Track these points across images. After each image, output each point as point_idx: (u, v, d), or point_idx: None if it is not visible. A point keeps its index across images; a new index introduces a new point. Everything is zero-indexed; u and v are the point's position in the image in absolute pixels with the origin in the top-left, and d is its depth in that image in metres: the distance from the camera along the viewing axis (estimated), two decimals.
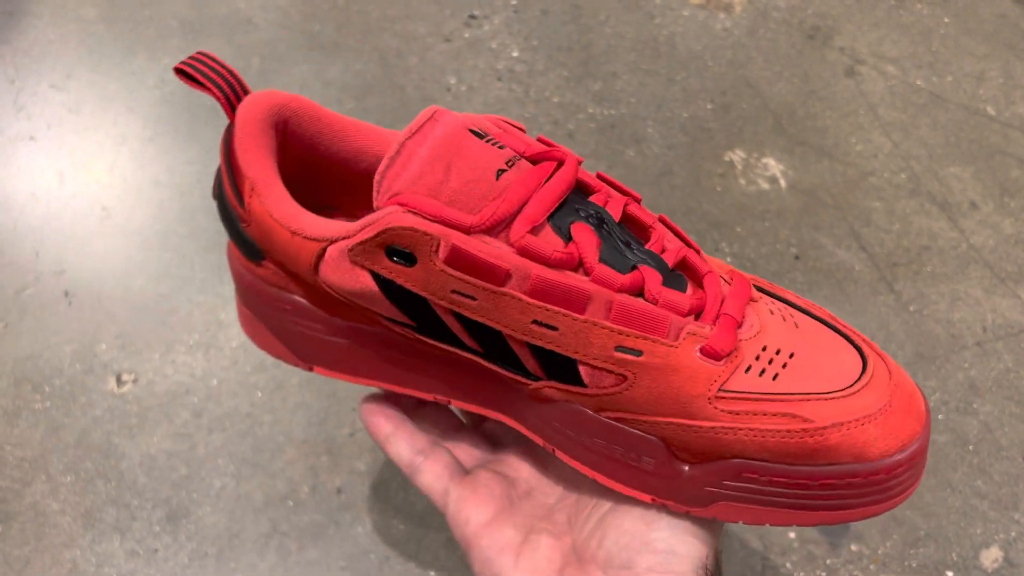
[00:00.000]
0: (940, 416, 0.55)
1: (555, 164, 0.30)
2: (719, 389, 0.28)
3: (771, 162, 0.67)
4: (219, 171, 0.33)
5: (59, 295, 0.58)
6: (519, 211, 0.28)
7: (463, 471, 0.36)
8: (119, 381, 0.54)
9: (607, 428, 0.30)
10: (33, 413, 0.53)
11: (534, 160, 0.30)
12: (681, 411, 0.29)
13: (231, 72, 0.32)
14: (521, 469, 0.37)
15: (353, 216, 0.37)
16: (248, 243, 0.33)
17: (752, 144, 0.68)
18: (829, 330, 0.32)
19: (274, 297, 0.34)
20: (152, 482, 0.50)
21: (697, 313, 0.29)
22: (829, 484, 0.28)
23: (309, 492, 0.50)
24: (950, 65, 0.74)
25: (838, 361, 0.30)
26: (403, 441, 0.36)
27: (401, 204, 0.28)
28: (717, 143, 0.68)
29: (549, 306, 0.28)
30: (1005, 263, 0.62)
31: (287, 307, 0.34)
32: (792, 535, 0.50)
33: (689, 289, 0.30)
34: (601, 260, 0.29)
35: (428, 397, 0.35)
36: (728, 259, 0.61)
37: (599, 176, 0.32)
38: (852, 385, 0.29)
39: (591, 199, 0.31)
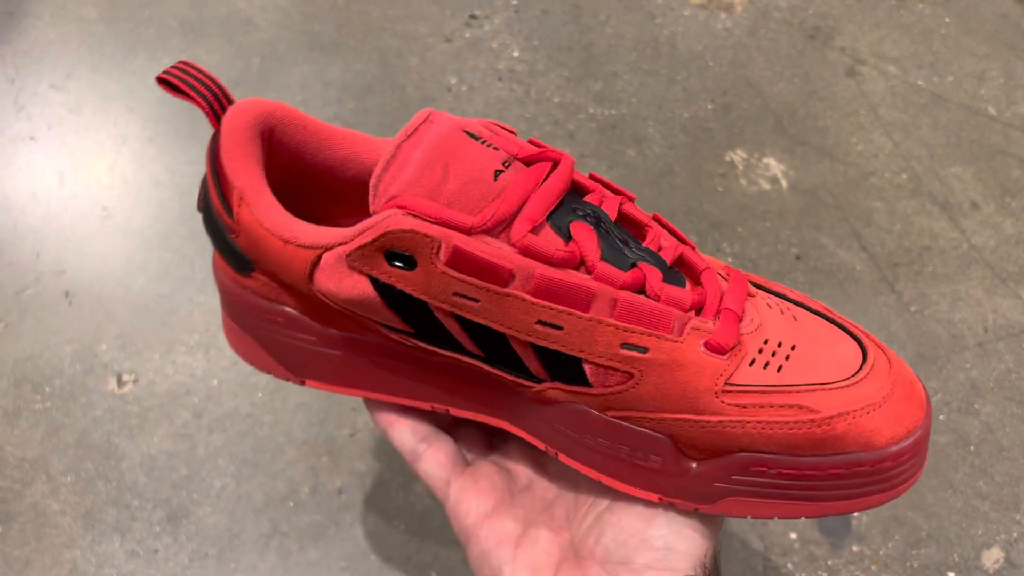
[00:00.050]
0: (942, 417, 0.55)
1: (550, 165, 0.30)
2: (725, 383, 0.28)
3: (772, 162, 0.67)
4: (204, 182, 0.32)
5: (59, 295, 0.57)
6: (519, 211, 0.28)
7: (465, 462, 0.36)
8: (119, 381, 0.54)
9: (612, 427, 0.30)
10: (33, 413, 0.53)
11: (528, 161, 0.30)
12: (688, 406, 0.29)
13: (214, 81, 0.31)
14: (522, 462, 0.37)
15: (340, 225, 0.37)
16: (237, 254, 0.32)
17: (753, 144, 0.68)
18: (827, 322, 0.32)
19: (264, 309, 0.34)
20: (152, 482, 0.50)
21: (698, 309, 0.30)
22: (837, 474, 0.28)
23: (310, 493, 0.50)
24: (951, 65, 0.74)
25: (839, 352, 0.30)
26: (407, 428, 0.36)
27: (400, 207, 0.27)
28: (718, 143, 0.68)
29: (554, 305, 0.28)
30: (1006, 263, 0.62)
31: (278, 319, 0.34)
32: (793, 535, 0.50)
33: (688, 285, 0.31)
34: (602, 258, 0.29)
35: (425, 406, 0.35)
36: (729, 259, 0.61)
37: (592, 176, 0.32)
38: (855, 375, 0.29)
39: (586, 199, 0.31)
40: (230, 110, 0.31)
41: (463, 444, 0.38)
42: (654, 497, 0.31)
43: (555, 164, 0.30)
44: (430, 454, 0.36)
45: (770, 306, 0.31)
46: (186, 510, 0.50)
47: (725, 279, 0.32)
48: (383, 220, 0.27)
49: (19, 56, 0.70)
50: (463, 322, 0.29)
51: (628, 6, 0.77)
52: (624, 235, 0.30)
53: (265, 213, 0.30)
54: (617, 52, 0.73)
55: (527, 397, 0.32)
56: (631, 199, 0.32)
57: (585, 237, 0.29)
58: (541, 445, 0.33)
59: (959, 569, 0.49)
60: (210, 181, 0.31)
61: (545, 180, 0.29)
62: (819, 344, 0.30)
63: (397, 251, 0.28)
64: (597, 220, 0.30)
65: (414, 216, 0.27)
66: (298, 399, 0.53)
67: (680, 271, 0.31)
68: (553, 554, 0.32)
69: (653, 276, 0.29)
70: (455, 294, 0.28)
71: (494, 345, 0.30)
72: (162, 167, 0.64)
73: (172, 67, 0.31)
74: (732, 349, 0.29)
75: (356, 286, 0.29)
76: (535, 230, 0.28)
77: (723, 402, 0.28)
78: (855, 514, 0.51)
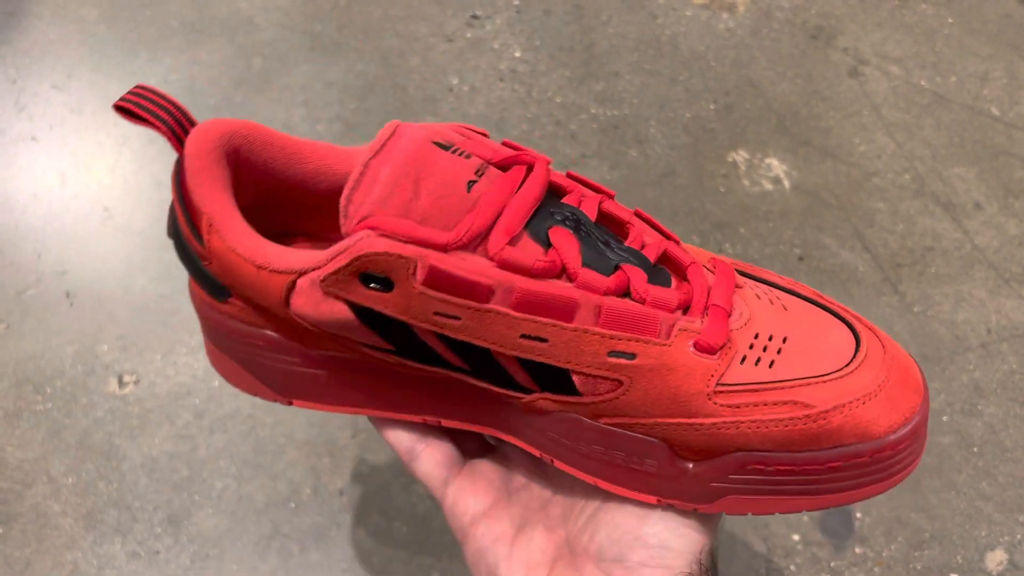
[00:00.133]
0: (944, 418, 0.55)
1: (525, 169, 0.29)
2: (717, 384, 0.28)
3: (774, 162, 0.67)
4: (172, 208, 0.31)
5: (60, 296, 0.57)
6: (495, 222, 0.27)
7: (462, 460, 0.36)
8: (120, 382, 0.54)
9: (606, 434, 0.30)
10: (34, 414, 0.53)
11: (503, 166, 0.29)
12: (680, 410, 0.28)
13: (175, 104, 0.30)
14: (519, 461, 0.37)
15: (316, 238, 0.36)
16: (211, 281, 0.31)
17: (755, 144, 0.68)
18: (818, 309, 0.31)
19: (244, 333, 0.33)
20: (153, 484, 0.50)
21: (685, 307, 0.29)
22: (835, 467, 0.28)
23: (311, 494, 0.50)
24: (954, 65, 0.74)
25: (831, 341, 0.30)
26: (403, 428, 0.36)
27: (372, 228, 0.27)
28: (720, 143, 0.68)
29: (537, 318, 0.27)
30: (1009, 264, 0.62)
31: (259, 343, 0.33)
32: (796, 537, 0.50)
33: (674, 283, 0.30)
34: (584, 264, 0.28)
35: (417, 419, 0.34)
36: None
37: (569, 175, 0.32)
38: (848, 364, 0.29)
39: (564, 200, 0.30)
40: (193, 133, 0.30)
41: (460, 443, 0.38)
42: (652, 499, 0.31)
43: (530, 168, 0.29)
44: (427, 454, 0.35)
45: (759, 296, 0.31)
46: (187, 511, 0.49)
47: (712, 271, 0.31)
48: (355, 243, 0.27)
49: (20, 56, 0.70)
50: (446, 340, 0.29)
51: (630, 6, 0.77)
52: (606, 235, 0.30)
53: (237, 239, 0.29)
54: (619, 52, 0.73)
55: (518, 407, 0.31)
56: (610, 196, 0.32)
57: (565, 243, 0.28)
58: (536, 452, 0.33)
59: (962, 571, 0.49)
60: (178, 208, 0.30)
61: (520, 186, 0.29)
62: (811, 334, 0.30)
63: (373, 274, 0.27)
64: (577, 223, 0.29)
65: (387, 237, 0.26)
66: None
67: (665, 268, 0.31)
68: (548, 552, 0.32)
69: (637, 278, 0.28)
70: (435, 313, 0.27)
71: (479, 360, 0.29)
72: (163, 167, 0.64)
73: (129, 93, 0.30)
74: (722, 348, 0.28)
75: (333, 310, 0.28)
76: (513, 241, 0.27)
77: (716, 404, 0.28)
78: (858, 516, 0.51)
